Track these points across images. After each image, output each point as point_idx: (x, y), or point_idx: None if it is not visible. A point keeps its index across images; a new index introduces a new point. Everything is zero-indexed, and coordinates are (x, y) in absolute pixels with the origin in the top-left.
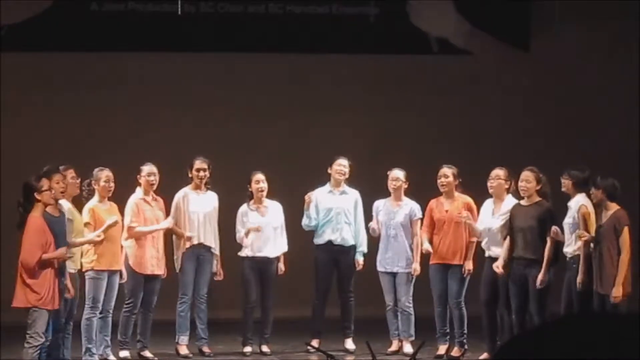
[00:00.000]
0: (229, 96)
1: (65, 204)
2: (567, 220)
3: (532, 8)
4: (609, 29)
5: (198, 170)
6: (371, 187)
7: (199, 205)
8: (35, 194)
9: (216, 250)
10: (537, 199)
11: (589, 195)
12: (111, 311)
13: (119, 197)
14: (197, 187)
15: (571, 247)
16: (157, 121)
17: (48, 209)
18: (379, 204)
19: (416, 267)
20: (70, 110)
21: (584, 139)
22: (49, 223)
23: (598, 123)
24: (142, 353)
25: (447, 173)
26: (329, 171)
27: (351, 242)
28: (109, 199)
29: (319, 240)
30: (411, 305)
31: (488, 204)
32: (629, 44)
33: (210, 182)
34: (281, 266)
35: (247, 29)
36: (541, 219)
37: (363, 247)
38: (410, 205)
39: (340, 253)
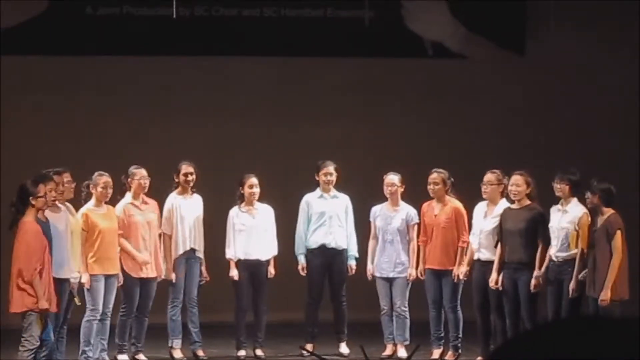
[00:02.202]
0: (224, 100)
1: (61, 207)
2: (564, 225)
3: (527, 11)
4: (605, 31)
5: (186, 174)
6: (366, 191)
7: (188, 210)
8: (30, 199)
9: (201, 253)
10: (527, 202)
11: (582, 199)
12: (109, 315)
13: (114, 200)
14: (184, 192)
15: (565, 252)
16: (152, 124)
17: (39, 214)
18: (376, 209)
19: (412, 272)
20: (65, 113)
21: (581, 142)
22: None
23: (596, 125)
24: (136, 357)
25: (436, 179)
26: (317, 178)
27: (344, 245)
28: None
29: (312, 244)
30: (407, 309)
31: (481, 206)
32: (626, 45)
33: (195, 185)
34: (271, 269)
35: (241, 33)
36: (532, 222)
37: (354, 252)
38: (406, 210)
39: (333, 257)
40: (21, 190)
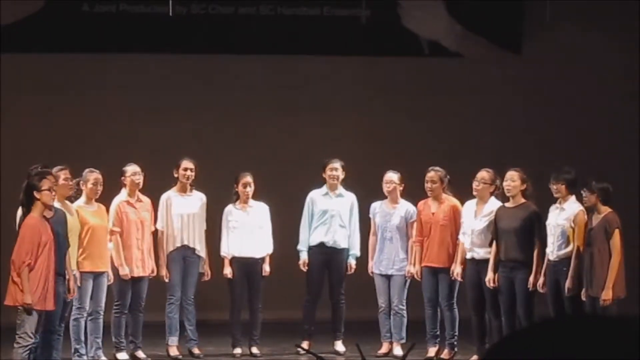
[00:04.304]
0: (220, 98)
1: (56, 204)
2: (560, 222)
3: (524, 10)
4: (601, 30)
5: (185, 169)
6: (362, 189)
7: (183, 207)
8: (35, 193)
9: (202, 251)
10: (522, 200)
11: (579, 197)
12: (102, 313)
13: (106, 198)
14: (183, 188)
15: (561, 250)
16: (148, 122)
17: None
18: (376, 206)
19: (410, 269)
20: (62, 111)
21: (579, 141)
22: (50, 223)
23: (593, 125)
24: (135, 353)
25: (433, 177)
26: (323, 175)
27: (343, 245)
28: (97, 199)
29: (311, 241)
30: (404, 307)
31: (470, 205)
32: (621, 45)
33: (196, 183)
34: (266, 267)
35: (238, 31)
36: (527, 221)
37: (356, 251)
38: (406, 208)
39: (332, 255)
40: (27, 187)
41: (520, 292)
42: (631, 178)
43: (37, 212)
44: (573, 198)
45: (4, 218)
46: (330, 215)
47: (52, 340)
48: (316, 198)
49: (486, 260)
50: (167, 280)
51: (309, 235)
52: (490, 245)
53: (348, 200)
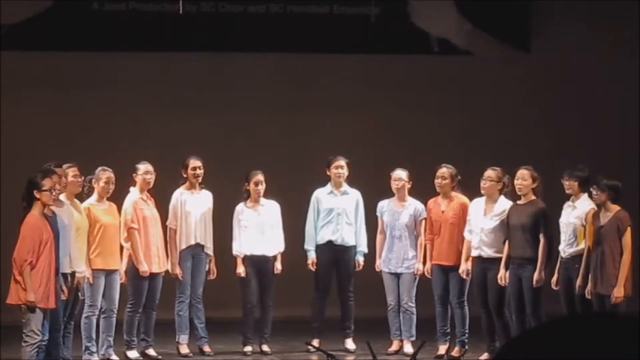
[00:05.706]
0: (229, 96)
1: (65, 202)
2: (572, 220)
3: (532, 8)
4: (609, 29)
5: (194, 168)
6: (371, 187)
7: (194, 205)
8: (35, 192)
9: (209, 249)
10: (532, 197)
11: (590, 195)
12: (115, 311)
13: (114, 196)
14: (192, 187)
15: (572, 247)
16: (157, 120)
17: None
18: (384, 204)
19: (419, 267)
20: (71, 110)
21: (584, 139)
22: (50, 221)
23: (599, 123)
24: (146, 351)
25: (444, 174)
26: (328, 173)
27: (351, 242)
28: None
29: (319, 240)
30: (414, 305)
31: (478, 203)
32: (629, 43)
33: (204, 181)
34: (278, 265)
35: (247, 29)
36: (535, 217)
37: (363, 247)
38: (414, 205)
39: (341, 253)
40: (28, 183)
41: (527, 290)
42: (635, 176)
43: (36, 210)
44: (585, 196)
45: (5, 217)
46: (337, 214)
47: (57, 338)
48: (321, 196)
49: (493, 259)
50: (180, 279)
51: (316, 234)
52: (503, 243)
53: (353, 197)
